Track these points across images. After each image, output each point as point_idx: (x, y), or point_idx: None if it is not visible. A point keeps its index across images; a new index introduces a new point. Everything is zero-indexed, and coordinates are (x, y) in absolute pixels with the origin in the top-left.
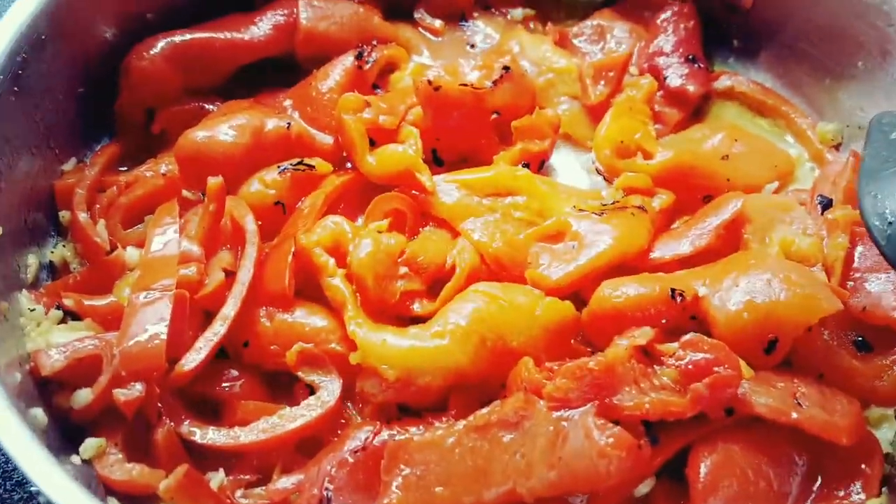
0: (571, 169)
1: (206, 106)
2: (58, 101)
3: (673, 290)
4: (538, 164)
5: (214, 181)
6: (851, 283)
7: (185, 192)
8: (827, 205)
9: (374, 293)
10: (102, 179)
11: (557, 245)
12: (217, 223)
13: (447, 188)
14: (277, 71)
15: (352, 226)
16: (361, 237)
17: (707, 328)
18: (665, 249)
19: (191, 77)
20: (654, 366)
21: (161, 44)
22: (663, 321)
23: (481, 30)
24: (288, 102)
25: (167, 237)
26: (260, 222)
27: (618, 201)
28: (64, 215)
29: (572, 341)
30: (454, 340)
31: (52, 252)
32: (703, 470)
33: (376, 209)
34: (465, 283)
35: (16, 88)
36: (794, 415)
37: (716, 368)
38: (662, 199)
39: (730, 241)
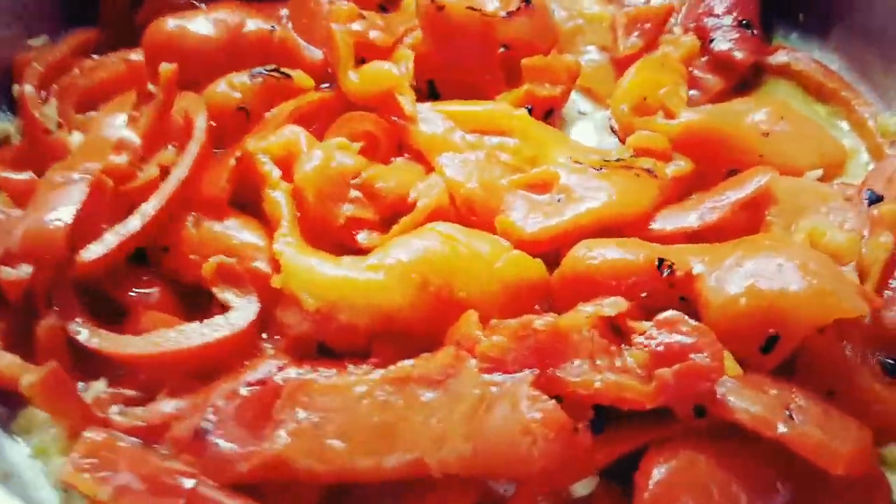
0: (584, 126)
1: (197, 3)
2: None
3: (661, 261)
4: (543, 112)
5: (167, 68)
6: (889, 292)
7: (150, 87)
8: (875, 200)
9: (314, 211)
10: (69, 62)
11: (541, 196)
12: (165, 115)
13: (431, 117)
14: None
15: (309, 138)
16: (313, 149)
17: (698, 314)
18: (668, 220)
19: None
20: (623, 345)
21: None
22: (643, 295)
23: None
24: (285, 12)
25: (112, 124)
26: (214, 123)
27: (623, 159)
28: (16, 89)
29: (536, 307)
30: (391, 276)
31: None
32: (654, 476)
33: (344, 126)
34: (424, 221)
35: None
36: (782, 428)
37: (693, 356)
38: (679, 167)
39: (749, 221)
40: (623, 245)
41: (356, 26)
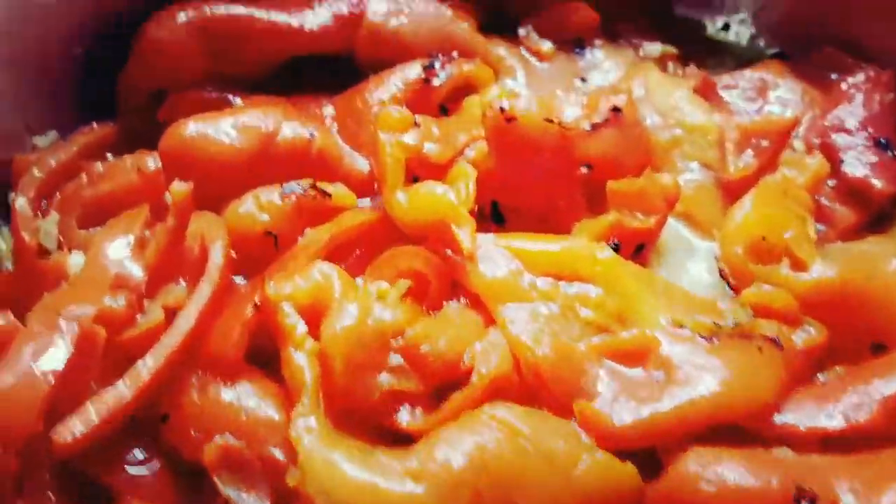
0: (683, 262)
1: (231, 97)
2: (44, 59)
3: (800, 491)
4: (634, 248)
5: (179, 189)
6: None
7: (167, 197)
8: None
9: (341, 384)
10: (79, 165)
11: (634, 370)
12: (176, 243)
13: (494, 254)
14: (330, 69)
15: (345, 281)
16: (348, 300)
17: None
18: (801, 415)
19: (219, 61)
20: None
21: (190, 13)
22: None
23: (600, 62)
24: (329, 111)
25: (115, 251)
26: (238, 252)
27: (741, 324)
28: (12, 198)
29: None
30: (434, 490)
31: None
32: None
33: (387, 265)
34: (482, 397)
35: None
36: None
37: None
38: (810, 335)
39: None
40: (749, 464)
41: (409, 137)
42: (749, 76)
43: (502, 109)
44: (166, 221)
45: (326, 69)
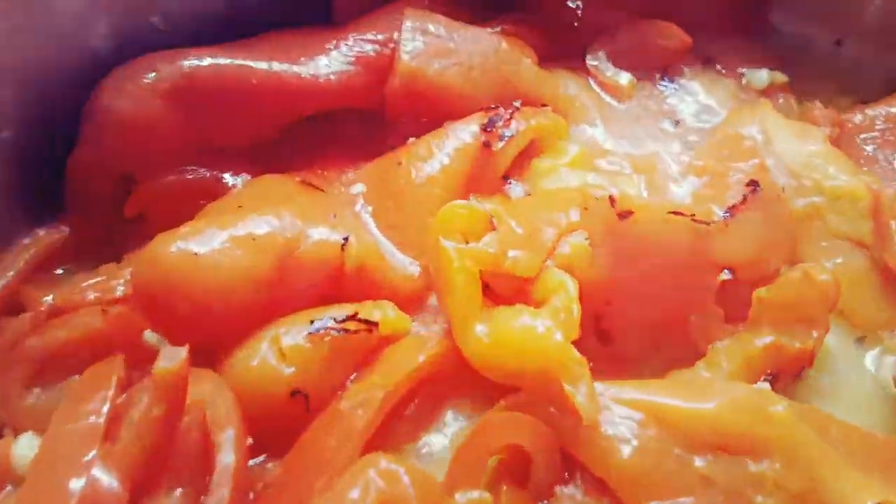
0: (843, 382)
1: (227, 178)
2: None
3: None
4: (795, 375)
5: (166, 366)
6: None
7: (147, 336)
8: None
9: None
10: (21, 290)
11: None
12: (167, 437)
13: (622, 418)
14: (353, 123)
15: (422, 485)
16: None
17: None
18: None
19: (204, 129)
20: None
21: (158, 70)
22: None
23: (695, 97)
24: (359, 188)
25: (80, 440)
26: (251, 440)
27: None
28: None
29: None
30: None
31: None
32: None
33: (478, 446)
34: None
35: None
36: None
37: None
38: None
39: None
40: None
41: (483, 245)
42: (884, 111)
43: (611, 199)
44: (148, 408)
45: (339, 122)
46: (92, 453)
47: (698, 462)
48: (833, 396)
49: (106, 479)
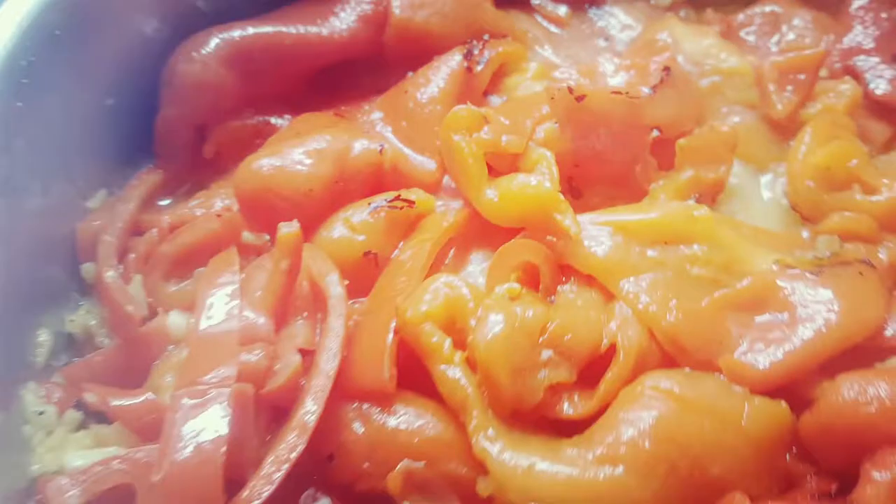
0: (750, 201)
1: (273, 120)
2: (78, 117)
3: None
4: (712, 199)
5: (288, 231)
6: None
7: (246, 236)
8: None
9: (509, 391)
10: (139, 219)
11: (760, 317)
12: (291, 285)
13: (597, 233)
14: (361, 72)
15: (472, 289)
16: (489, 309)
17: None
18: None
19: (253, 84)
20: None
21: (215, 41)
22: None
23: (618, 18)
24: (377, 115)
25: (223, 303)
26: (347, 281)
27: (836, 253)
28: (88, 270)
29: (787, 457)
30: (634, 469)
31: (72, 320)
32: None
33: (502, 264)
34: (631, 374)
35: (18, 104)
36: None
37: None
38: (891, 251)
39: None
40: (891, 380)
41: (483, 134)
42: (760, 11)
43: (569, 89)
44: (276, 264)
45: (359, 69)
46: (237, 303)
47: (650, 252)
48: (742, 212)
49: (258, 319)
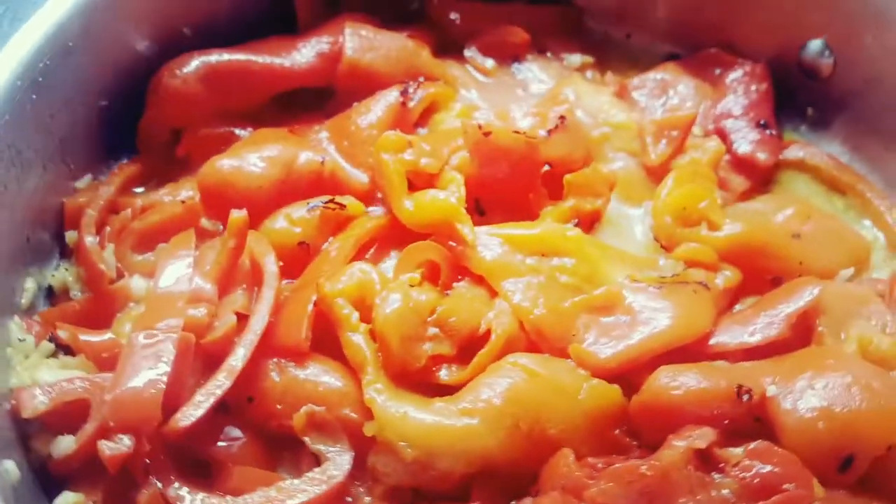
0: (623, 230)
1: (237, 131)
2: (77, 113)
3: (739, 387)
4: (589, 225)
5: (238, 215)
6: None
7: (204, 222)
8: None
9: (398, 355)
10: (117, 201)
11: (607, 318)
12: (235, 260)
13: (489, 242)
14: (314, 98)
15: (381, 275)
16: (390, 290)
17: (771, 432)
18: (729, 335)
19: (223, 100)
20: (713, 473)
21: (196, 63)
22: (725, 422)
23: (535, 74)
24: (324, 135)
25: (178, 271)
26: (281, 263)
27: (678, 274)
28: (71, 236)
29: (616, 431)
30: (485, 421)
31: (53, 275)
32: None
33: (408, 259)
34: (500, 352)
35: (34, 97)
36: None
37: (785, 485)
38: (727, 277)
39: (801, 331)
40: (702, 372)
41: (407, 155)
42: (653, 77)
43: (479, 126)
44: (225, 242)
45: (311, 96)
46: (189, 273)
47: (529, 261)
48: (616, 238)
49: (204, 284)
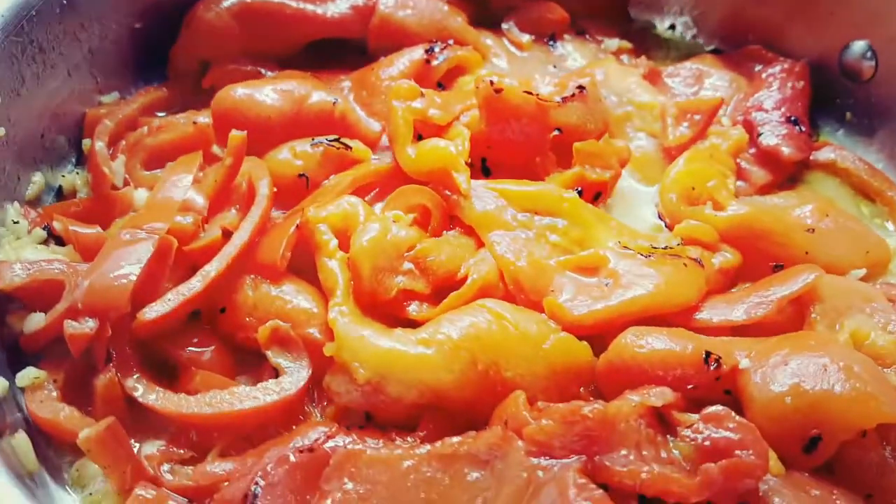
0: (633, 207)
1: (263, 71)
2: (109, 29)
3: (708, 354)
4: (592, 195)
5: (237, 135)
6: None
7: (215, 149)
8: None
9: (367, 283)
10: (138, 119)
11: (589, 279)
12: (231, 179)
13: (484, 194)
14: (345, 54)
15: (367, 209)
16: (370, 220)
17: (741, 408)
18: (714, 312)
19: (255, 40)
20: (668, 435)
21: (233, 0)
22: (690, 387)
23: (569, 53)
24: (346, 83)
25: (178, 184)
26: (276, 189)
27: (671, 247)
28: (86, 143)
29: (581, 390)
30: (440, 353)
31: (64, 176)
32: None
33: (399, 199)
34: (474, 296)
35: (65, 1)
36: None
37: (738, 452)
38: (726, 258)
39: (792, 317)
40: (671, 335)
41: (417, 103)
42: (689, 66)
43: (492, 83)
44: (223, 161)
45: (343, 50)
46: (188, 186)
47: (520, 216)
48: (626, 213)
49: (196, 197)
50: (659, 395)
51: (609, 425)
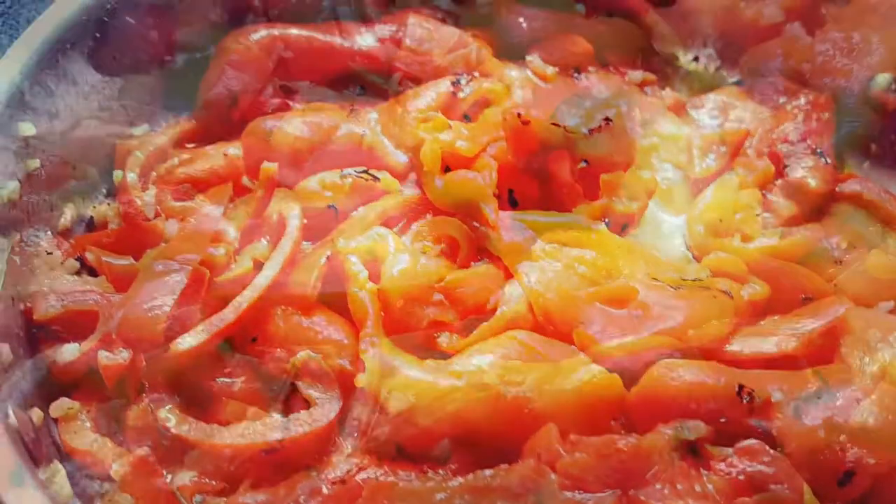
0: (660, 238)
1: (292, 104)
2: (142, 62)
3: (741, 387)
4: (620, 227)
5: (268, 167)
6: None
7: (245, 180)
8: None
9: (398, 314)
10: (168, 151)
11: (619, 311)
12: (262, 210)
13: (512, 226)
14: (377, 89)
15: (396, 240)
16: (400, 252)
17: (773, 441)
18: (745, 344)
19: (283, 72)
20: (701, 468)
21: (262, 33)
22: (722, 420)
23: (594, 84)
24: (373, 115)
25: (209, 216)
26: (306, 220)
27: (700, 279)
28: (117, 174)
29: (612, 422)
30: (471, 384)
31: (94, 207)
32: None
33: (427, 230)
34: (504, 328)
35: (97, 34)
36: None
37: (772, 486)
38: (755, 290)
39: (823, 350)
40: (703, 368)
41: (445, 135)
42: (713, 98)
43: (519, 115)
44: (255, 192)
45: (370, 83)
46: (219, 217)
47: (549, 247)
48: (654, 242)
49: (228, 228)
50: (693, 429)
51: (643, 459)
